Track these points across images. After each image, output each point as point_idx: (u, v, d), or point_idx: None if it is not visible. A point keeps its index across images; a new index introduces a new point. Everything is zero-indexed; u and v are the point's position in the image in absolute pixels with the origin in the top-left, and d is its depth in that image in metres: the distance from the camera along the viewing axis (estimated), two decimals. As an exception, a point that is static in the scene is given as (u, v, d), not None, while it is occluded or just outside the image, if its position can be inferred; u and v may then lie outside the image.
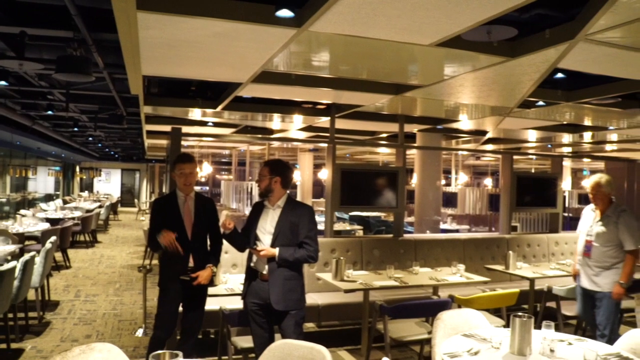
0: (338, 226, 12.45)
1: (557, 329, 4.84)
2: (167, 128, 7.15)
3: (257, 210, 4.35)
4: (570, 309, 6.18)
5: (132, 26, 3.51)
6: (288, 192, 4.39)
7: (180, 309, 4.53)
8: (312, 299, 6.23)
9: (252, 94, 6.42)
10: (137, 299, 8.18)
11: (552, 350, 3.24)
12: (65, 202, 22.01)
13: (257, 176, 4.41)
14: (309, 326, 6.78)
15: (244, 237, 4.34)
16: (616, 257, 5.07)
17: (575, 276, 5.53)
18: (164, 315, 4.43)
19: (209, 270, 4.42)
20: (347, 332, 6.65)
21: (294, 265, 4.22)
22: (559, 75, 5.17)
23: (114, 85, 7.11)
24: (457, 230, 12.47)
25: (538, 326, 3.69)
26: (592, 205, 5.34)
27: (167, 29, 3.67)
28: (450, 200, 14.41)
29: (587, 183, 5.23)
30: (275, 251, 4.13)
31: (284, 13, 3.39)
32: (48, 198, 24.69)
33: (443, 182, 18.14)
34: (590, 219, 5.32)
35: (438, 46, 3.81)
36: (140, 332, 6.44)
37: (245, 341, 4.63)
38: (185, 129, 9.17)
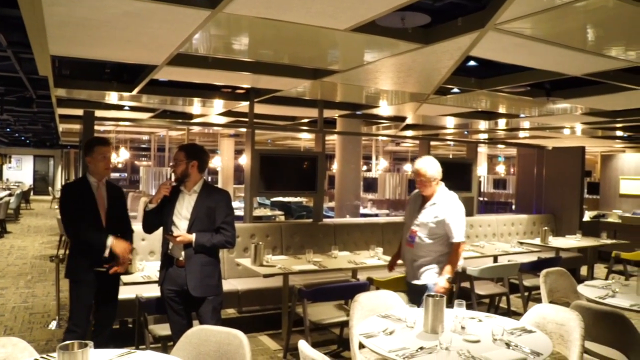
0: (259, 212, 12.43)
1: (471, 307, 5.05)
2: (81, 112, 6.87)
3: (173, 195, 4.26)
4: (483, 289, 6.45)
5: (36, 2, 3.33)
6: (204, 176, 4.33)
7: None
8: (232, 284, 6.20)
9: (169, 77, 6.26)
10: (50, 290, 7.87)
11: (463, 328, 3.36)
12: (-30, 190, 20.83)
13: (172, 161, 4.33)
14: (230, 312, 6.76)
15: (156, 218, 4.25)
16: (442, 250, 4.58)
17: (392, 268, 5.15)
18: (80, 311, 4.23)
19: (113, 239, 4.24)
20: (268, 317, 6.67)
21: (211, 251, 4.19)
22: (472, 63, 5.32)
23: (21, 66, 6.72)
24: (376, 215, 12.71)
25: (452, 305, 3.80)
26: (418, 192, 4.77)
27: (74, 6, 3.51)
28: (371, 185, 14.62)
29: (413, 166, 4.77)
30: (192, 237, 4.08)
31: (198, -7, 3.31)
32: (-49, 186, 23.27)
33: (364, 167, 18.43)
34: (416, 207, 4.75)
35: (353, 31, 3.83)
36: (53, 325, 6.20)
37: (163, 329, 4.57)
38: (100, 113, 8.87)
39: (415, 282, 4.67)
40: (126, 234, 4.45)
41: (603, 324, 4.00)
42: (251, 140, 7.08)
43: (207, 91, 7.55)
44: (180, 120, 10.61)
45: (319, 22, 3.72)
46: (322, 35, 4.09)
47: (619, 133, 11.66)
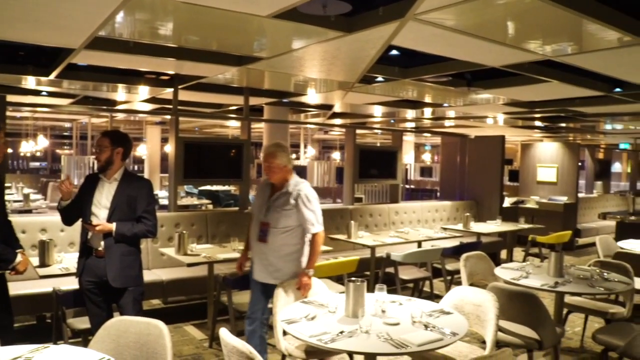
0: (186, 201, 12.26)
1: (395, 292, 5.15)
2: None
3: (91, 183, 4.13)
4: (407, 273, 6.59)
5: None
6: (125, 165, 4.22)
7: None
8: (156, 274, 6.10)
9: (88, 61, 6.04)
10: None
11: (383, 311, 3.44)
12: None
13: (95, 148, 4.18)
14: (155, 303, 6.66)
15: (74, 209, 4.11)
16: (298, 243, 4.28)
17: (241, 267, 4.69)
18: None
19: (22, 256, 3.89)
20: (194, 306, 6.61)
21: (132, 241, 4.09)
22: (394, 52, 5.40)
23: None
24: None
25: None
26: (266, 180, 4.43)
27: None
28: (300, 173, 14.60)
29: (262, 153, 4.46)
30: (112, 226, 3.96)
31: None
32: None
33: (293, 155, 18.39)
34: (265, 197, 4.38)
35: (276, 18, 3.81)
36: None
37: (82, 322, 4.43)
38: (15, 98, 8.49)
39: (270, 281, 4.25)
40: (8, 225, 4.07)
41: (516, 304, 4.20)
42: (175, 127, 6.94)
43: (130, 77, 7.34)
44: (103, 107, 10.28)
45: (241, 8, 3.68)
46: (245, 21, 4.05)
47: (538, 123, 12.17)
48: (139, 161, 18.52)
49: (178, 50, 5.37)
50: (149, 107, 10.63)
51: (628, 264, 5.21)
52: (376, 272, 6.84)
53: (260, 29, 4.37)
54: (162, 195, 12.05)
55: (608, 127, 12.61)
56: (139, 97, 9.19)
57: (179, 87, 7.30)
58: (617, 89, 6.85)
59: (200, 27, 4.45)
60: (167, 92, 8.03)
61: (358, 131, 9.49)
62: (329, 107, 10.15)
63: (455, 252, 6.88)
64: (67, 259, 5.13)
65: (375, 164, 9.07)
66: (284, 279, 4.18)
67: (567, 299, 5.22)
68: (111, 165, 4.07)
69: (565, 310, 5.30)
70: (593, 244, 7.36)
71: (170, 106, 7.32)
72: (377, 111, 10.84)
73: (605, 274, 4.99)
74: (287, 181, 4.31)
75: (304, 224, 4.22)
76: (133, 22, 4.28)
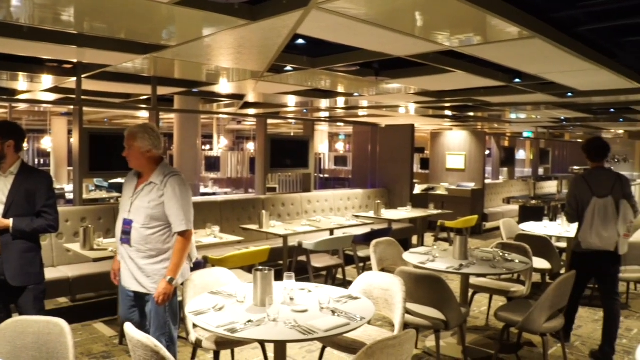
0: (95, 194, 11.87)
1: (308, 280, 5.20)
2: None
3: (-14, 178, 3.91)
4: (319, 261, 6.67)
5: None
6: (21, 157, 4.02)
7: None
8: (62, 272, 5.88)
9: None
10: None
11: (292, 299, 3.47)
12: None
13: None
14: (62, 301, 6.43)
15: None
16: (167, 242, 3.74)
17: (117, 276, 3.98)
18: None
19: None
20: (105, 303, 6.41)
21: (32, 237, 3.91)
22: (302, 41, 5.41)
23: None
24: (214, 194, 12.63)
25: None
26: (134, 171, 3.91)
27: None
28: (213, 164, 14.48)
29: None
30: (9, 222, 3.77)
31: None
32: None
33: (207, 146, 18.20)
34: (131, 190, 3.84)
35: (177, 5, 3.72)
36: None
37: (-23, 325, 4.20)
38: None
39: (138, 290, 3.78)
40: None
41: (423, 286, 4.35)
42: (79, 118, 6.67)
43: (30, 65, 6.99)
44: (2, 97, 9.74)
45: (141, -6, 3.58)
46: (147, 8, 3.94)
47: (447, 112, 12.57)
48: (45, 154, 17.70)
49: (79, 37, 5.15)
50: (53, 97, 10.17)
51: (528, 245, 5.51)
52: (289, 262, 6.88)
53: (163, 16, 4.26)
54: (69, 189, 11.59)
55: (512, 116, 13.19)
56: (42, 86, 8.76)
57: (83, 76, 7.01)
58: (517, 80, 7.18)
59: (101, 13, 4.28)
60: (71, 81, 7.70)
61: (273, 121, 9.51)
62: (240, 96, 10.07)
63: (366, 239, 7.00)
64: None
65: (287, 154, 9.10)
66: (153, 288, 3.70)
67: (473, 280, 5.45)
68: (4, 159, 3.86)
69: (471, 291, 5.54)
70: (499, 228, 7.70)
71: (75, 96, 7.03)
72: (291, 101, 10.85)
73: (507, 255, 5.25)
74: (154, 170, 3.79)
75: (170, 221, 3.69)
76: (30, 5, 4.06)
